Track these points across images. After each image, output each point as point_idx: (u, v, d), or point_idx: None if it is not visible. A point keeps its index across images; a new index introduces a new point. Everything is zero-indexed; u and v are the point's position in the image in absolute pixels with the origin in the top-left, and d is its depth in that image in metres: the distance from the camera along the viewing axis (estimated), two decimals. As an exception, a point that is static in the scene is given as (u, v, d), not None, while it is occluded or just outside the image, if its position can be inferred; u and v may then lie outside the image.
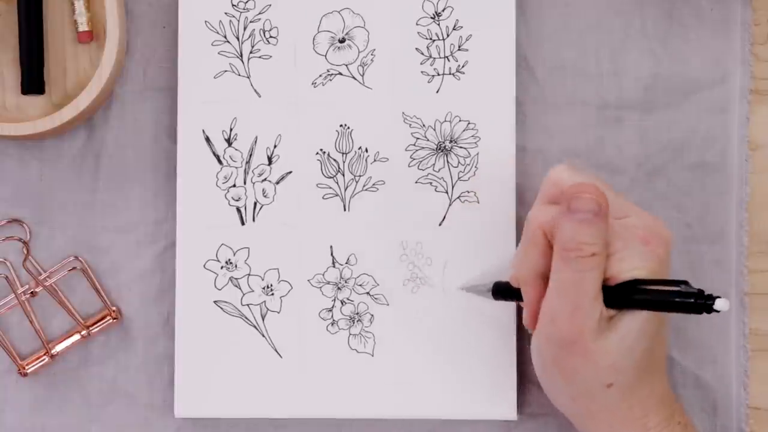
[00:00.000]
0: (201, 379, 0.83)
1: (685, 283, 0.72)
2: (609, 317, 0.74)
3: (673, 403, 0.77)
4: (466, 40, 0.84)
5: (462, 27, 0.84)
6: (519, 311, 0.83)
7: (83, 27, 0.84)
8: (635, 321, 0.74)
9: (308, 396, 0.83)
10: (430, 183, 0.84)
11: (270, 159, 0.84)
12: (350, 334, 0.83)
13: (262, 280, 0.83)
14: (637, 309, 0.73)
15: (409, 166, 0.84)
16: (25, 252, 0.84)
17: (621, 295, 0.73)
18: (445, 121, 0.84)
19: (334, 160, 0.84)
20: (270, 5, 0.84)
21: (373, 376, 0.83)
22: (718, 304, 0.70)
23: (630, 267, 0.73)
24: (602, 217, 0.73)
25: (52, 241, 0.85)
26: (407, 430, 0.84)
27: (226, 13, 0.84)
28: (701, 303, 0.70)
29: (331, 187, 0.84)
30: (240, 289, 0.83)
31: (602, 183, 0.76)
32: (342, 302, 0.83)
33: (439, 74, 0.84)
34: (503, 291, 0.80)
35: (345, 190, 0.84)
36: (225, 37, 0.84)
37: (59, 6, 0.84)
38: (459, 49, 0.84)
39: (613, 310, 0.74)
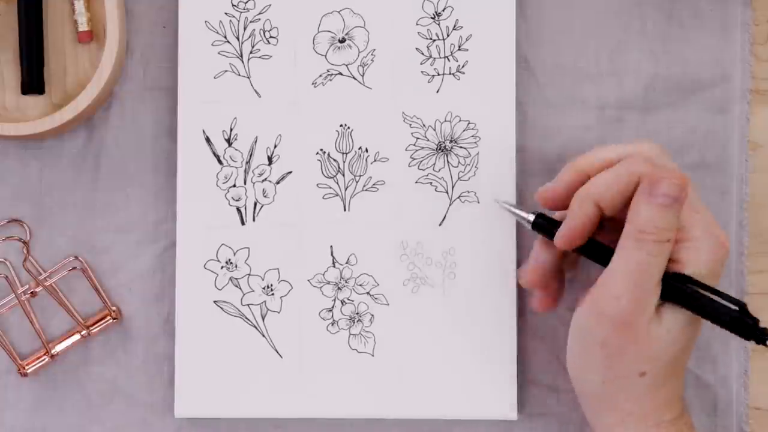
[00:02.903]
0: (201, 379, 0.83)
1: (743, 304, 0.74)
2: (657, 306, 0.75)
3: (683, 402, 0.78)
4: (466, 40, 0.84)
5: (462, 27, 0.84)
6: (519, 311, 0.83)
7: (83, 27, 0.84)
8: (681, 317, 0.75)
9: (308, 396, 0.83)
10: (430, 183, 0.84)
11: (270, 159, 0.84)
12: (350, 334, 0.83)
13: (263, 280, 0.83)
14: (691, 311, 0.74)
15: (409, 166, 0.84)
16: (25, 252, 0.84)
17: (676, 288, 0.74)
18: (445, 121, 0.84)
19: (334, 160, 0.84)
20: (270, 5, 0.84)
21: (373, 376, 0.83)
22: None
23: (696, 260, 0.74)
24: (681, 204, 0.74)
25: (52, 241, 0.85)
26: (407, 430, 0.84)
27: (226, 13, 0.84)
28: (758, 333, 0.72)
29: (331, 187, 0.84)
30: (240, 289, 0.83)
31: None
32: (342, 302, 0.83)
33: (439, 74, 0.84)
34: (546, 226, 0.79)
35: (345, 190, 0.84)
36: (225, 37, 0.84)
37: (59, 6, 0.84)
38: (459, 49, 0.84)
39: (660, 301, 0.75)
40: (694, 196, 0.77)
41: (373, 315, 0.83)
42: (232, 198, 0.84)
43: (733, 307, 0.74)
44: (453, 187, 0.84)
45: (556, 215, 0.79)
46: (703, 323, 0.76)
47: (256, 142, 0.84)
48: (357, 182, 0.84)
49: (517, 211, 0.80)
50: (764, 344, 0.72)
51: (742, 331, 0.73)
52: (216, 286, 0.83)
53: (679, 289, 0.74)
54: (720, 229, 0.76)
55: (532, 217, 0.79)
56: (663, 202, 0.73)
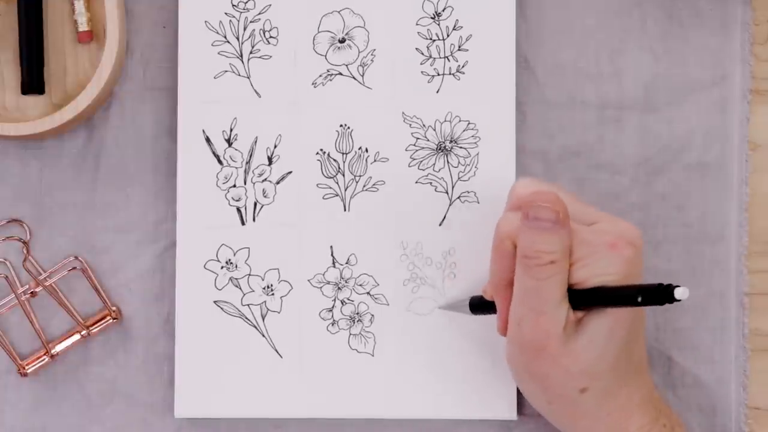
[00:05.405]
0: (201, 379, 0.83)
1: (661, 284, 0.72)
2: (576, 320, 0.74)
3: (659, 405, 0.77)
4: (466, 40, 0.84)
5: (462, 27, 0.84)
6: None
7: (83, 27, 0.84)
8: (602, 323, 0.74)
9: (308, 396, 0.83)
10: (430, 183, 0.84)
11: (270, 159, 0.84)
12: (350, 334, 0.83)
13: (263, 280, 0.83)
14: (601, 306, 0.74)
15: (409, 166, 0.84)
16: (25, 252, 0.84)
17: (587, 298, 0.74)
18: (445, 121, 0.84)
19: (334, 160, 0.84)
20: (270, 5, 0.84)
21: (373, 376, 0.83)
22: (678, 292, 0.69)
23: (596, 273, 0.74)
24: (561, 225, 0.73)
25: (52, 241, 0.85)
26: (407, 430, 0.84)
27: (226, 13, 0.84)
28: (661, 292, 0.70)
29: (331, 187, 0.84)
30: (240, 289, 0.83)
31: (567, 192, 0.77)
32: (342, 302, 0.83)
33: (439, 74, 0.84)
34: (479, 304, 0.81)
35: (345, 190, 0.84)
36: (225, 37, 0.84)
37: (59, 6, 0.84)
38: (459, 49, 0.84)
39: (581, 313, 0.74)
40: (581, 207, 0.76)
41: (373, 315, 0.83)
42: (232, 198, 0.84)
43: (635, 285, 0.73)
44: (453, 187, 0.84)
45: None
46: (643, 321, 0.77)
47: (256, 142, 0.84)
48: (357, 182, 0.84)
49: (456, 310, 0.82)
50: (675, 300, 0.69)
51: (651, 299, 0.70)
52: (216, 286, 0.83)
53: (586, 298, 0.74)
54: (616, 229, 0.75)
55: (467, 302, 0.82)
56: (538, 226, 0.73)
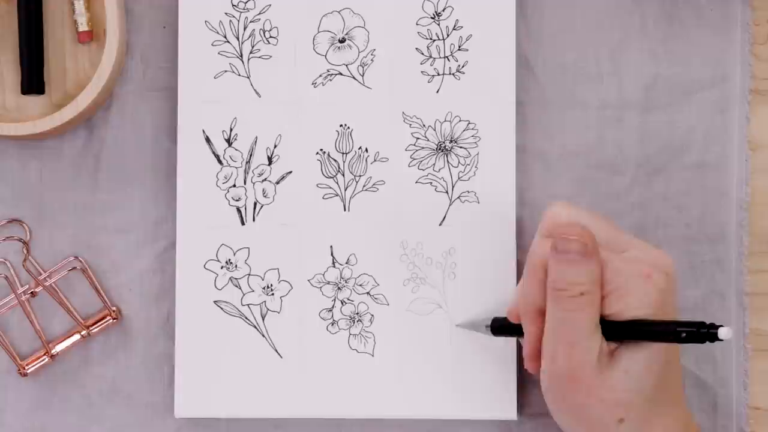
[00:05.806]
0: (201, 379, 0.83)
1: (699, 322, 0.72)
2: (610, 351, 0.74)
3: None
4: (466, 40, 0.84)
5: (462, 27, 0.84)
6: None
7: (83, 27, 0.84)
8: (639, 357, 0.73)
9: (308, 396, 0.83)
10: (430, 183, 0.84)
11: (270, 159, 0.84)
12: (350, 334, 0.83)
13: (262, 280, 0.83)
14: (640, 340, 0.73)
15: (409, 166, 0.84)
16: (25, 252, 0.84)
17: (623, 331, 0.73)
18: (445, 121, 0.84)
19: (334, 160, 0.84)
20: (270, 5, 0.84)
21: (373, 376, 0.83)
22: (722, 332, 0.69)
23: (632, 306, 0.73)
24: (590, 257, 0.73)
25: (52, 241, 0.85)
26: (407, 430, 0.84)
27: (226, 13, 0.84)
28: (704, 332, 0.70)
29: (331, 187, 0.84)
30: (240, 289, 0.83)
31: (602, 217, 0.76)
32: (342, 302, 0.83)
33: (439, 74, 0.84)
34: (502, 327, 0.80)
35: (345, 190, 0.84)
36: (225, 37, 0.84)
37: (59, 6, 0.84)
38: (459, 49, 0.84)
39: (614, 344, 0.74)
40: (618, 236, 0.76)
41: (373, 315, 0.83)
42: (232, 198, 0.84)
43: (676, 320, 0.73)
44: (453, 187, 0.84)
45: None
46: (680, 351, 0.77)
47: (256, 142, 0.84)
48: (357, 182, 0.84)
49: (475, 329, 0.82)
50: (717, 339, 0.70)
51: (694, 337, 0.71)
52: (216, 286, 0.83)
53: (622, 329, 0.73)
54: (649, 257, 0.74)
55: (488, 322, 0.81)
56: (568, 258, 0.73)
